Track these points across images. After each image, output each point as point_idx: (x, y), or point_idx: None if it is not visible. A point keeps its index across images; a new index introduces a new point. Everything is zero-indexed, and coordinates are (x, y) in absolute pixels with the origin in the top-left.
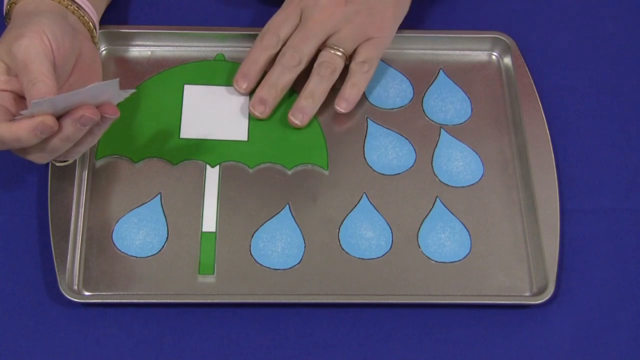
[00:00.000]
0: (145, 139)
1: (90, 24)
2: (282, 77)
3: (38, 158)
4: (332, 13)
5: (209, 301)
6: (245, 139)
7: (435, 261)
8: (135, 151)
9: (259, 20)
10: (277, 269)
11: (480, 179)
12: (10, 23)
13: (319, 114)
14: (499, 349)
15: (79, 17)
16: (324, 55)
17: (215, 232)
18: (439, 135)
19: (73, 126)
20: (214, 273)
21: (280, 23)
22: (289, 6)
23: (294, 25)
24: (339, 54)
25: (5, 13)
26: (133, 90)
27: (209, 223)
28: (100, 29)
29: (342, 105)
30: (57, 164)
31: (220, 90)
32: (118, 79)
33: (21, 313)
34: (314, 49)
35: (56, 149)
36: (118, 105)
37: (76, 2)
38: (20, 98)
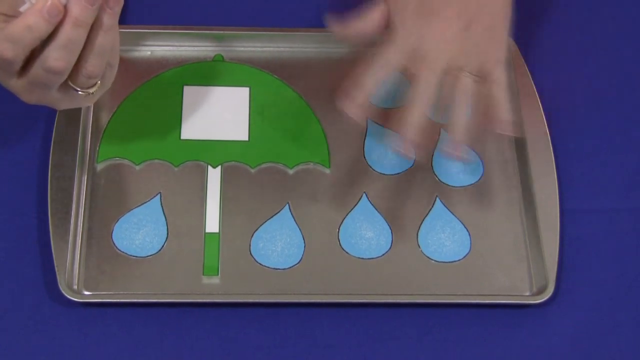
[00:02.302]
0: (146, 141)
1: None
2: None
3: (58, 61)
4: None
5: (208, 300)
6: (246, 138)
7: (435, 261)
8: (136, 154)
9: (258, 20)
10: (276, 269)
11: (480, 178)
12: None
13: (319, 113)
14: (499, 349)
15: None
16: (462, 83)
17: (218, 233)
18: (439, 135)
19: (79, 4)
20: (218, 274)
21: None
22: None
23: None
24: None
25: None
26: None
27: (212, 224)
28: None
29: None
30: (81, 92)
31: (219, 91)
32: None
33: (21, 313)
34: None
35: (71, 39)
36: (120, 107)
37: None
38: None
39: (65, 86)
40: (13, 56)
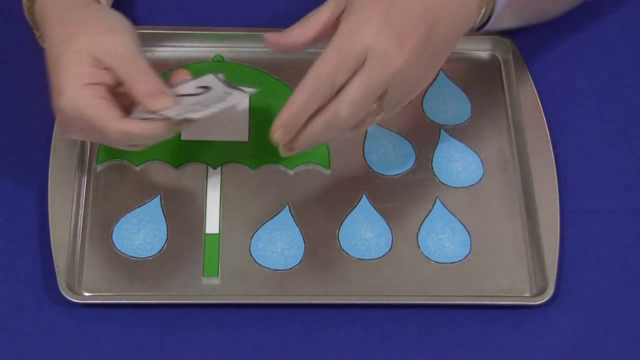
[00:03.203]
0: None
1: None
2: (328, 134)
3: (134, 147)
4: (398, 67)
5: (208, 302)
6: (246, 139)
7: (435, 262)
8: (136, 155)
9: (258, 21)
10: (276, 270)
11: (480, 179)
12: (52, 16)
13: None
14: (499, 350)
15: None
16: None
17: (218, 234)
18: (439, 135)
19: (180, 124)
20: (218, 275)
21: (335, 68)
22: (347, 44)
23: (352, 72)
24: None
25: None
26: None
27: (212, 225)
28: None
29: None
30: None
31: None
32: (251, 91)
33: (21, 314)
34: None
35: (160, 139)
36: None
37: None
38: (111, 89)
39: None
40: (99, 142)
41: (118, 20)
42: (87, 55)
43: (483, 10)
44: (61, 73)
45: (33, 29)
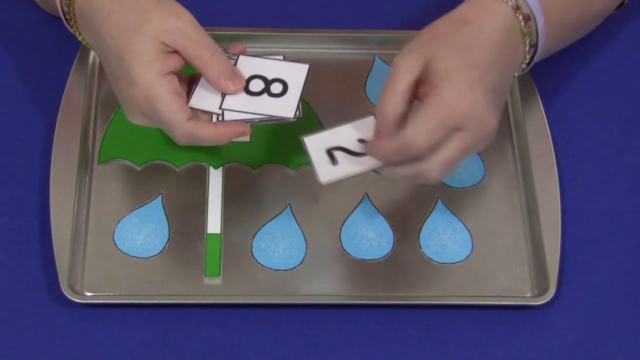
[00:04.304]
0: (147, 143)
1: None
2: (409, 181)
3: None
4: (491, 133)
5: (210, 302)
6: (248, 139)
7: (437, 262)
8: (137, 155)
9: (258, 21)
10: (278, 270)
11: (481, 180)
12: (109, 5)
13: (320, 113)
14: (500, 350)
15: None
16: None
17: (220, 234)
18: None
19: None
20: (220, 275)
21: (434, 133)
22: (448, 114)
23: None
24: None
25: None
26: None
27: (214, 225)
28: None
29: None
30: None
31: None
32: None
33: (23, 314)
34: None
35: None
36: (121, 107)
37: None
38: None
39: None
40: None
41: (175, 3)
42: (156, 40)
43: (527, 61)
44: (133, 61)
45: (64, 15)
